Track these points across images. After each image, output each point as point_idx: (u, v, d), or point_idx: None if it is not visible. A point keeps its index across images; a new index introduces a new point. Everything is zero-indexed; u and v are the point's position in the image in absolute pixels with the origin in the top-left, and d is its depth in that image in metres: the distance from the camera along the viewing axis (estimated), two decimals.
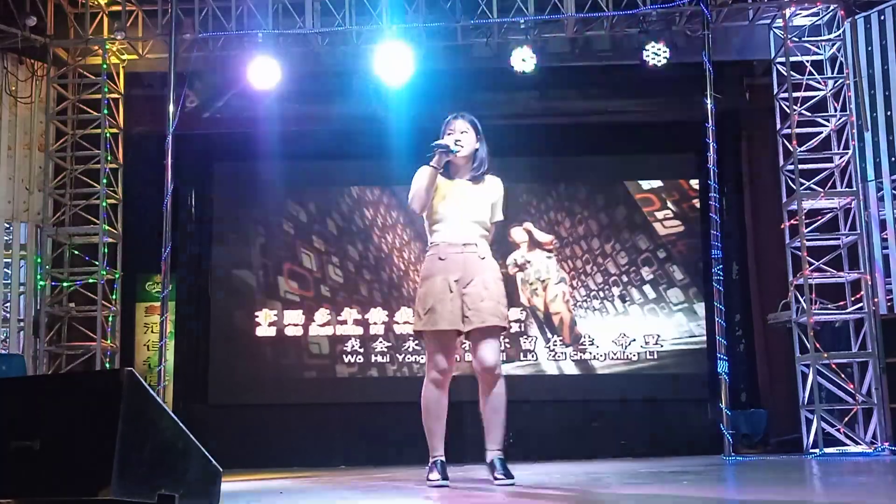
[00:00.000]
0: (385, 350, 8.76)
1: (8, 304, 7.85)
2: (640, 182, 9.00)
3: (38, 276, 7.86)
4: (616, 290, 8.80)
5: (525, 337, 8.77)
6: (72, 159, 8.02)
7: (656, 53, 7.54)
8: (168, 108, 7.56)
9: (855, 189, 7.17)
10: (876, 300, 7.02)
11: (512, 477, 3.89)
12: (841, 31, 7.35)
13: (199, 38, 7.72)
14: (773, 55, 7.62)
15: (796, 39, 7.43)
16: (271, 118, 8.38)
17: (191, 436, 2.69)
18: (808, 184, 7.26)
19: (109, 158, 8.00)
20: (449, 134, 4.13)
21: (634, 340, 8.70)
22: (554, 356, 8.73)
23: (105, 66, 7.95)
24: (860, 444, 6.75)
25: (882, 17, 7.14)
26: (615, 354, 8.69)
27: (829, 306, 7.27)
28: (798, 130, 7.30)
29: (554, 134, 8.63)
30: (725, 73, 7.84)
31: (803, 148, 7.33)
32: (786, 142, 7.40)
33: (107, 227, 7.90)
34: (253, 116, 8.40)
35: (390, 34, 7.55)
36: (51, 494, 2.51)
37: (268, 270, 8.97)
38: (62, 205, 7.96)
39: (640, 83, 8.12)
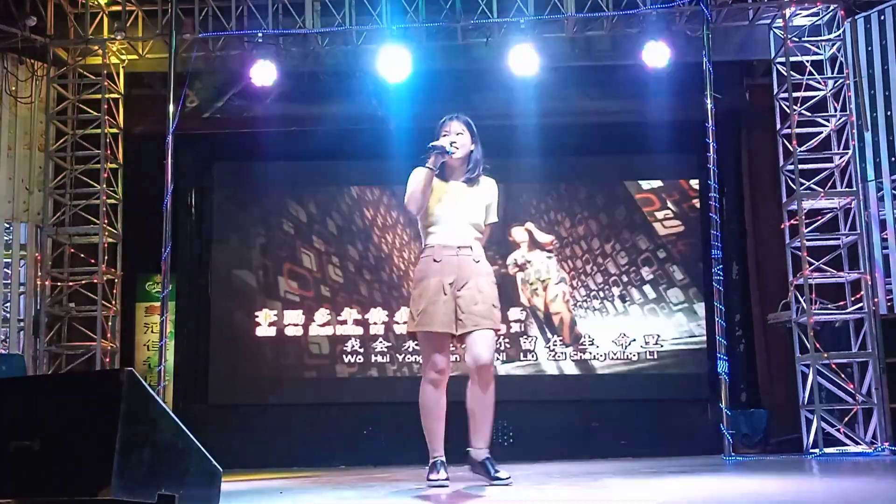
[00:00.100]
0: (385, 350, 8.76)
1: (8, 304, 7.85)
2: (640, 182, 9.00)
3: (39, 276, 7.86)
4: (616, 290, 8.80)
5: (525, 337, 8.77)
6: (72, 159, 8.02)
7: (656, 53, 7.54)
8: (168, 108, 7.56)
9: (855, 189, 7.17)
10: (876, 300, 7.02)
11: (508, 476, 3.89)
12: (841, 31, 7.35)
13: (199, 38, 7.71)
14: (773, 55, 7.62)
15: (796, 39, 7.43)
16: (271, 118, 8.39)
17: (191, 436, 2.69)
18: (808, 184, 7.27)
19: (109, 158, 8.00)
20: (444, 135, 4.13)
21: (634, 340, 8.70)
22: (554, 356, 8.73)
23: (105, 66, 7.95)
24: (860, 444, 6.75)
25: (882, 17, 7.15)
26: (615, 354, 8.69)
27: (829, 306, 7.27)
28: (798, 130, 7.30)
29: (554, 134, 8.63)
30: (725, 73, 7.83)
31: (803, 148, 7.33)
32: (786, 142, 7.40)
33: (107, 227, 7.90)
34: (253, 116, 8.41)
35: (390, 34, 7.55)
36: (51, 494, 2.51)
37: (268, 270, 8.97)
38: (62, 205, 7.95)
39: (640, 83, 8.11)
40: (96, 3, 7.92)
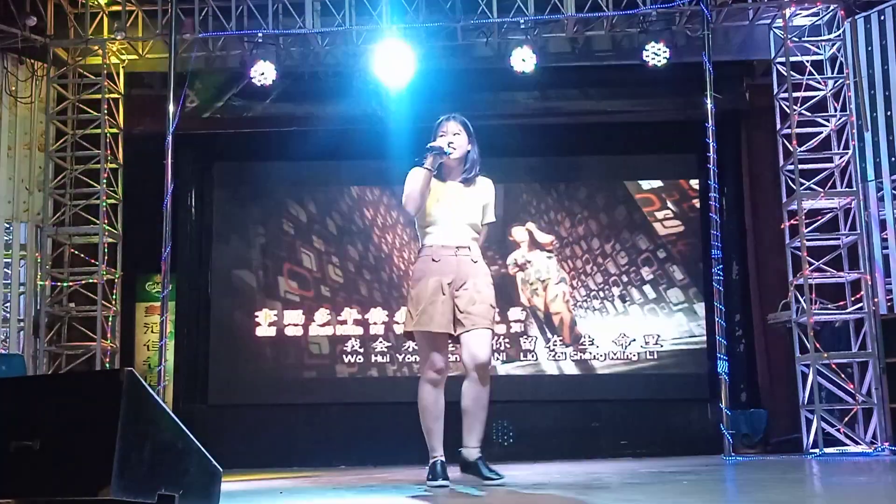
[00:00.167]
0: (385, 350, 8.76)
1: (8, 304, 7.85)
2: (640, 182, 9.00)
3: (39, 276, 7.86)
4: (616, 290, 8.80)
5: (525, 337, 8.77)
6: (72, 159, 8.02)
7: (656, 53, 7.55)
8: (168, 108, 7.56)
9: (855, 189, 7.17)
10: (876, 300, 7.02)
11: (501, 476, 3.88)
12: (841, 31, 7.35)
13: (199, 38, 7.72)
14: (773, 55, 7.62)
15: (796, 39, 7.43)
16: (271, 118, 8.39)
17: (191, 436, 2.69)
18: (808, 184, 7.27)
19: (109, 158, 8.00)
20: (441, 135, 4.13)
21: (634, 340, 8.70)
22: (554, 356, 8.73)
23: (105, 66, 7.95)
24: (860, 444, 6.75)
25: (882, 17, 7.15)
26: (615, 354, 8.69)
27: (829, 306, 7.27)
28: (798, 130, 7.30)
29: (554, 134, 8.63)
30: (725, 73, 7.83)
31: (803, 148, 7.33)
32: (786, 142, 7.40)
33: (107, 227, 7.90)
34: (253, 116, 8.40)
35: (390, 34, 7.55)
36: (51, 494, 2.51)
37: (268, 270, 8.97)
38: (62, 205, 7.96)
39: (640, 83, 8.12)
40: (96, 3, 7.92)
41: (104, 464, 2.40)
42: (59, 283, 7.94)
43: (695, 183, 8.85)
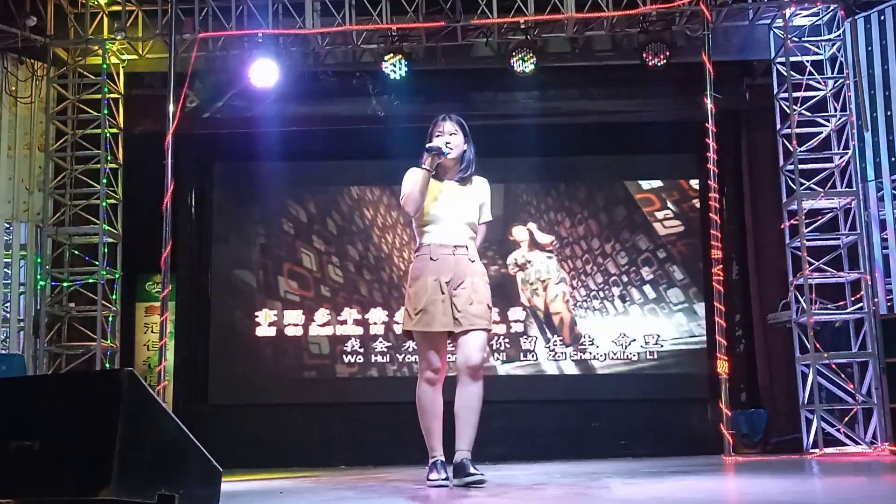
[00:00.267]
0: (385, 350, 8.76)
1: (8, 304, 7.85)
2: (640, 182, 9.00)
3: (39, 276, 7.86)
4: (616, 290, 8.80)
5: (525, 337, 8.77)
6: (72, 159, 8.02)
7: (656, 53, 7.54)
8: (168, 108, 7.55)
9: (855, 189, 7.17)
10: (876, 300, 7.03)
11: (482, 474, 3.86)
12: (841, 31, 7.35)
13: (199, 38, 7.71)
14: (773, 55, 7.62)
15: (796, 39, 7.43)
16: (271, 118, 8.38)
17: (191, 436, 2.69)
18: (808, 184, 7.27)
19: (109, 158, 7.99)
20: (438, 135, 4.14)
21: (634, 340, 8.70)
22: (554, 356, 8.73)
23: (105, 66, 7.95)
24: (860, 444, 6.75)
25: (882, 17, 7.15)
26: (615, 354, 8.68)
27: (829, 306, 7.27)
28: (798, 130, 7.30)
29: (554, 134, 8.63)
30: (725, 73, 7.84)
31: (803, 148, 7.33)
32: (786, 142, 7.40)
33: (107, 227, 7.89)
34: (253, 116, 8.40)
35: (390, 34, 7.54)
36: (51, 494, 2.51)
37: (268, 270, 8.96)
38: (62, 205, 7.95)
39: (640, 83, 8.12)
40: (96, 3, 7.92)
41: (104, 464, 2.40)
42: (59, 283, 7.94)
43: (695, 183, 8.85)
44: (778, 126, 7.52)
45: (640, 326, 8.71)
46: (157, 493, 2.53)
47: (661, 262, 8.82)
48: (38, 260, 7.90)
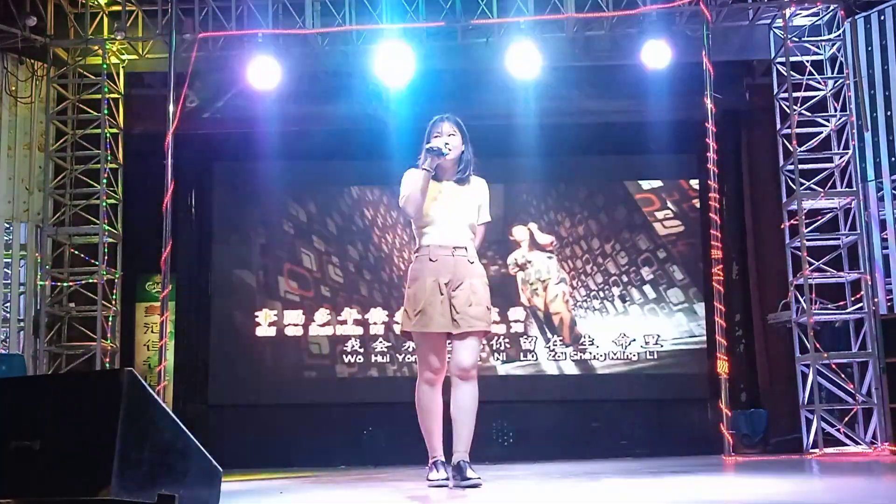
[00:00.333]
0: (385, 350, 8.76)
1: (8, 304, 7.85)
2: (640, 182, 9.00)
3: (39, 276, 7.86)
4: (616, 290, 8.80)
5: (525, 337, 8.77)
6: (72, 159, 8.02)
7: (656, 53, 7.54)
8: (168, 108, 7.56)
9: (855, 189, 7.17)
10: (876, 300, 7.03)
11: (479, 478, 3.85)
12: (841, 31, 7.35)
13: (199, 38, 7.71)
14: (773, 55, 7.62)
15: (796, 39, 7.43)
16: (271, 118, 8.37)
17: (191, 436, 2.69)
18: (808, 184, 7.27)
19: (109, 158, 8.00)
20: (437, 136, 4.13)
21: (634, 340, 8.70)
22: (554, 356, 8.73)
23: (105, 66, 7.95)
24: (860, 444, 6.75)
25: (882, 17, 7.15)
26: (615, 354, 8.69)
27: (829, 306, 7.27)
28: (798, 130, 7.30)
29: (554, 134, 8.62)
30: (725, 73, 7.84)
31: (803, 148, 7.33)
32: (786, 142, 7.40)
33: (107, 227, 7.90)
34: (253, 116, 8.39)
35: (390, 34, 7.55)
36: (51, 494, 2.51)
37: (268, 270, 8.97)
38: (62, 205, 7.95)
39: (640, 83, 8.11)
40: (96, 3, 7.92)
41: (104, 464, 2.40)
42: (59, 283, 7.94)
43: (695, 183, 8.85)
44: (778, 126, 7.52)
45: (640, 326, 8.71)
46: (157, 493, 2.53)
47: (661, 262, 8.83)
48: (38, 260, 7.90)
